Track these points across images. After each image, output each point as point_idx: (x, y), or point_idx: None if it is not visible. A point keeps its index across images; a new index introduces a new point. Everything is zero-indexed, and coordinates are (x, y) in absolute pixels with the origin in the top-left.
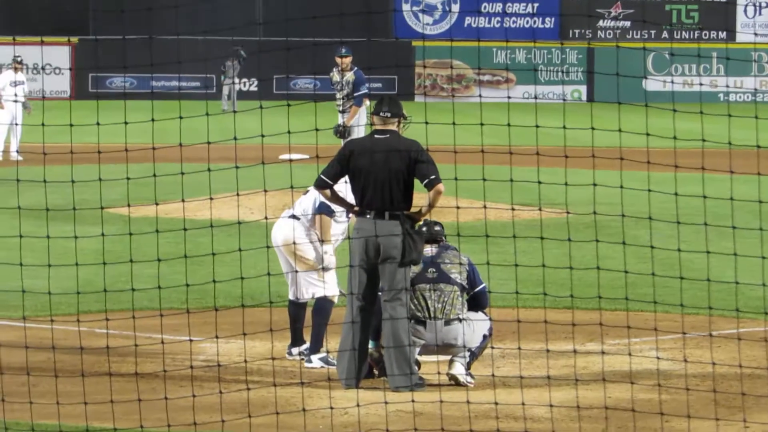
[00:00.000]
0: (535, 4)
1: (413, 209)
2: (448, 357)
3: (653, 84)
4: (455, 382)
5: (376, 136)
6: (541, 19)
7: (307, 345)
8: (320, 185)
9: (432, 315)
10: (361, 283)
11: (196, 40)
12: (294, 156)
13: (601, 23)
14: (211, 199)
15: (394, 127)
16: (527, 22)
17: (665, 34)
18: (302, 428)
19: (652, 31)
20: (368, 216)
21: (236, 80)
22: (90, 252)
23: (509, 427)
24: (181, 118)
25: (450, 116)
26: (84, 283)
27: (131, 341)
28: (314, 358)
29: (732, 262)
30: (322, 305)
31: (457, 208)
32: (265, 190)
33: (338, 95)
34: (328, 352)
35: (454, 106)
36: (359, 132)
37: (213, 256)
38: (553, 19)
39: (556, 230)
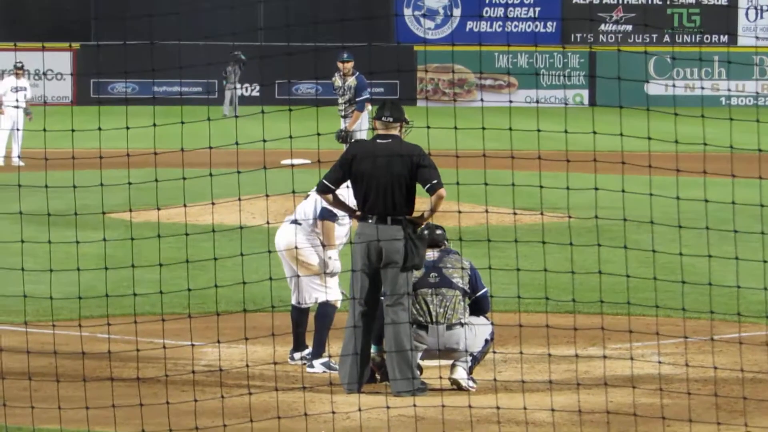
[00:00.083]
0: (537, 9)
1: (415, 214)
2: (450, 361)
3: (655, 88)
4: (457, 387)
5: (378, 140)
6: (542, 23)
7: (309, 350)
8: (322, 190)
9: (434, 319)
10: (363, 288)
11: (197, 46)
12: (296, 161)
13: (602, 27)
14: (213, 203)
15: (396, 132)
16: (529, 26)
17: (667, 38)
18: None
19: (654, 35)
20: (370, 221)
21: (238, 85)
22: (92, 257)
23: None
24: (182, 123)
25: (452, 120)
26: (86, 288)
27: (133, 346)
28: (316, 362)
29: (734, 266)
30: (325, 310)
31: (459, 212)
32: (267, 195)
33: (340, 100)
34: (330, 356)
35: (455, 110)
36: (361, 137)
37: (215, 261)
38: (554, 23)
39: (558, 234)
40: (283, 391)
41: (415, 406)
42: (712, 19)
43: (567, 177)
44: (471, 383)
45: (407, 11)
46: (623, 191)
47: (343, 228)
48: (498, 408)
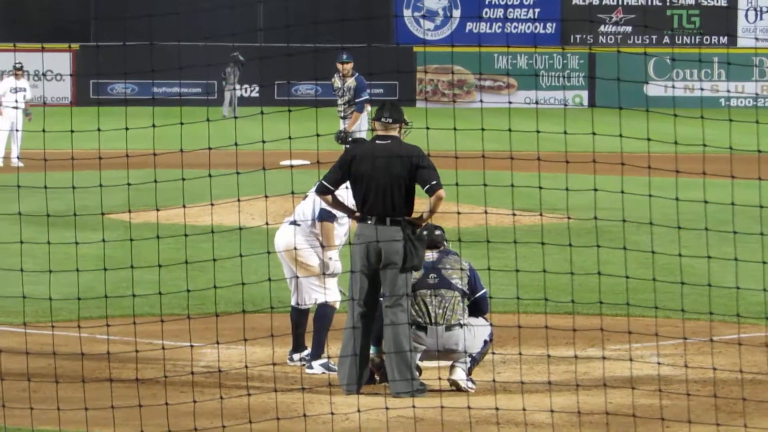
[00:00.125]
0: (536, 10)
1: (414, 215)
2: (449, 362)
3: (654, 89)
4: (456, 388)
5: (377, 141)
6: (542, 24)
7: (308, 351)
8: (322, 191)
9: (433, 320)
10: (363, 289)
11: (197, 47)
12: (295, 162)
13: (602, 28)
14: (212, 204)
15: (395, 133)
16: (528, 27)
17: (666, 39)
18: None
19: (654, 36)
20: (369, 222)
21: (237, 86)
22: (91, 258)
23: None
24: (182, 124)
25: (451, 122)
26: (85, 289)
27: (132, 347)
28: (315, 364)
29: (733, 267)
30: (323, 311)
31: (458, 213)
32: (266, 196)
33: (340, 101)
34: (329, 357)
35: (455, 111)
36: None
37: (214, 262)
38: (554, 24)
39: (557, 235)
40: (282, 392)
41: (414, 407)
42: (711, 21)
43: (566, 178)
44: (470, 384)
45: (407, 12)
46: (623, 192)
47: (343, 228)
48: (497, 409)
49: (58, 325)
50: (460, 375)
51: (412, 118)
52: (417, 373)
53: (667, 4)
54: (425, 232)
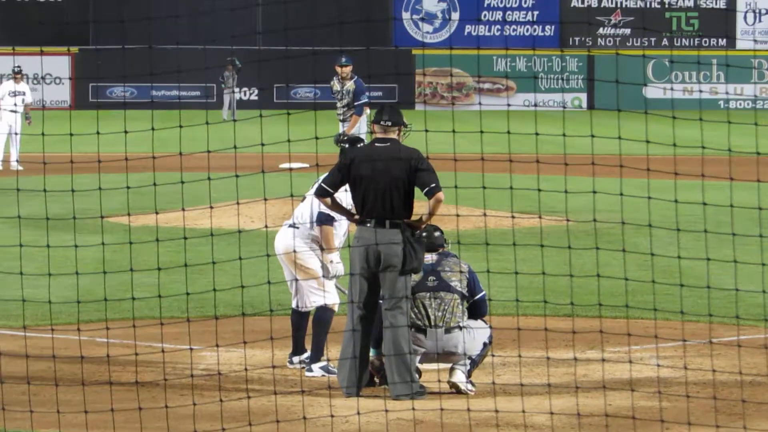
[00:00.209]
0: (535, 12)
1: (414, 217)
2: (449, 365)
3: (653, 91)
4: (456, 390)
5: (376, 144)
6: (541, 26)
7: (308, 354)
8: (321, 194)
9: (432, 323)
10: (362, 292)
11: (196, 50)
12: (294, 165)
13: (601, 31)
14: (212, 207)
15: (394, 136)
16: (527, 29)
17: (665, 42)
18: None
19: (652, 39)
20: (369, 224)
21: (236, 89)
22: (90, 261)
23: None
24: (181, 127)
25: (450, 124)
26: (84, 292)
27: (131, 350)
28: (315, 366)
29: (732, 269)
30: (323, 314)
31: (457, 216)
32: (266, 199)
33: (339, 104)
34: (328, 360)
35: (454, 114)
36: None
37: (213, 265)
38: (553, 26)
39: (556, 238)
40: (282, 395)
41: (413, 409)
42: (710, 23)
43: (565, 180)
44: (470, 386)
45: (405, 15)
46: (621, 194)
47: (342, 227)
48: (497, 411)
49: (57, 328)
50: (459, 377)
51: (411, 120)
52: (417, 376)
53: (666, 6)
54: (424, 235)
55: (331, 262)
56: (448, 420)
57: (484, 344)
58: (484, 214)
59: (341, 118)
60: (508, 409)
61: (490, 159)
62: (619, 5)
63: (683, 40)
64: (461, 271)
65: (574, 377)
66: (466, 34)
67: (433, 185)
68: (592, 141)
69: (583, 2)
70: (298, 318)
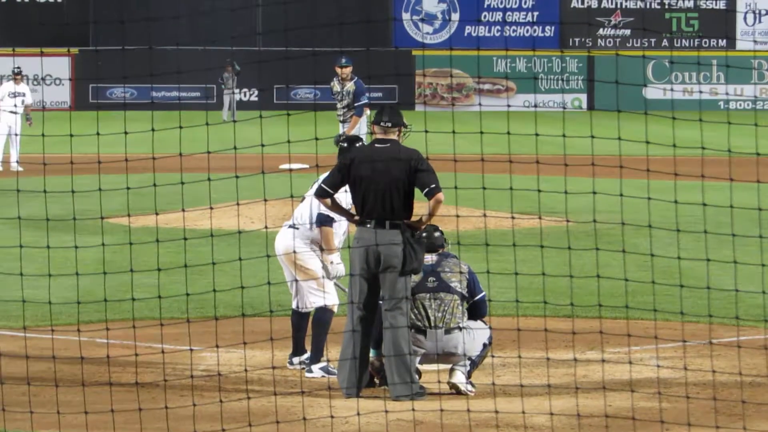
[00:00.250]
0: (535, 13)
1: (413, 218)
2: (449, 366)
3: (653, 92)
4: (456, 391)
5: (376, 145)
6: (541, 27)
7: (308, 354)
8: (321, 194)
9: (432, 324)
10: (362, 292)
11: (196, 51)
12: (294, 165)
13: (601, 32)
14: (212, 208)
15: (394, 137)
16: (527, 30)
17: (665, 42)
18: None
19: (652, 40)
20: (369, 225)
21: (235, 90)
22: (90, 262)
23: None
24: (181, 127)
25: (450, 125)
26: (84, 293)
27: (131, 351)
28: (315, 367)
29: (732, 270)
30: (322, 315)
31: (457, 216)
32: (266, 200)
33: (339, 105)
34: (328, 361)
35: (454, 115)
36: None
37: (213, 266)
38: (553, 27)
39: (556, 239)
40: (282, 396)
41: (413, 410)
42: (710, 24)
43: (565, 181)
44: (470, 387)
45: (406, 16)
46: (621, 195)
47: (342, 226)
48: (497, 412)
49: (57, 329)
50: (459, 378)
51: (411, 121)
52: (416, 377)
53: (666, 7)
54: (424, 235)
55: (332, 263)
56: (448, 421)
57: (484, 345)
58: (484, 215)
59: (341, 119)
60: (508, 410)
61: (490, 160)
62: (619, 6)
63: (683, 40)
64: (461, 272)
65: (574, 378)
66: (466, 34)
67: (433, 186)
68: (592, 142)
69: (583, 3)
70: (298, 319)
